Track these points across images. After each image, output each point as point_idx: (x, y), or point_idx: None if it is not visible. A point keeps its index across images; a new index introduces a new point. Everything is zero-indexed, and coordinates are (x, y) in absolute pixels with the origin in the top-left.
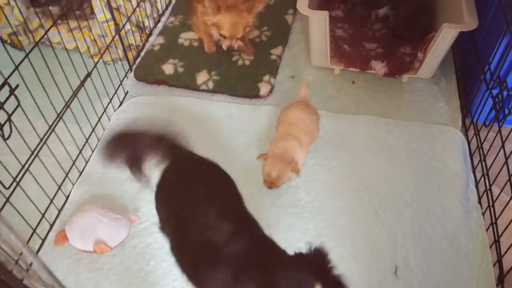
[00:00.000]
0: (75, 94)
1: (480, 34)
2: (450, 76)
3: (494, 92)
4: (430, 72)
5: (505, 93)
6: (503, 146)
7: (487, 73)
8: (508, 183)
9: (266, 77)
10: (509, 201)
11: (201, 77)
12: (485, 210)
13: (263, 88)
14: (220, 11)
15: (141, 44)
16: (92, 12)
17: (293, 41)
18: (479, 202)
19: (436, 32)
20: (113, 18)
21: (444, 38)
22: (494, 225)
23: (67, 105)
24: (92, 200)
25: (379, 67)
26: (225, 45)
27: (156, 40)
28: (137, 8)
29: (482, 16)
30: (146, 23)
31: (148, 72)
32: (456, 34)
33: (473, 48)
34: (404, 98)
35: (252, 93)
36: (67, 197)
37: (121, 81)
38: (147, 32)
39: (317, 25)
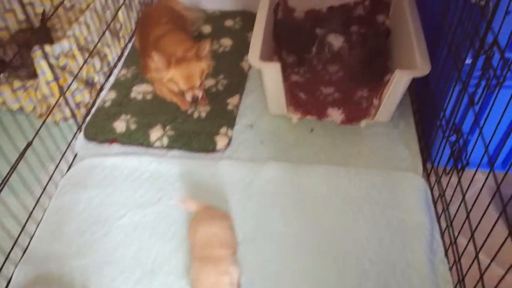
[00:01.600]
0: (14, 167)
1: (434, 78)
2: (408, 119)
3: (452, 139)
4: (387, 116)
5: (461, 141)
6: (463, 198)
7: (442, 120)
8: (472, 237)
9: (223, 129)
10: (476, 257)
11: (155, 133)
12: (452, 265)
13: (220, 142)
14: (171, 66)
15: (91, 101)
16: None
17: (250, 88)
18: (446, 255)
19: (391, 74)
20: (57, 78)
21: (398, 83)
22: (462, 283)
23: (4, 182)
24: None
25: (336, 114)
26: (189, 96)
27: (107, 95)
28: (85, 65)
29: (435, 59)
30: (96, 79)
31: (98, 130)
32: (410, 78)
33: (428, 92)
34: (363, 144)
35: (209, 148)
36: (9, 281)
37: (69, 143)
38: (98, 87)
39: (270, 76)
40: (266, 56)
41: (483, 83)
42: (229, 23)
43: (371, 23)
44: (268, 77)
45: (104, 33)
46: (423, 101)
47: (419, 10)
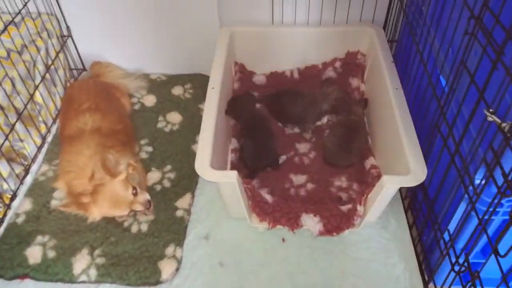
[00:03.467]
0: None
1: (431, 180)
2: (399, 216)
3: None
4: (374, 217)
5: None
6: None
7: (448, 243)
8: None
9: (170, 249)
10: None
11: (80, 263)
12: None
13: (167, 269)
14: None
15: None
16: None
17: (204, 181)
18: None
19: (372, 157)
20: None
21: (386, 192)
22: None
23: None
24: None
25: (311, 223)
26: (139, 206)
27: (21, 206)
28: None
29: (430, 153)
30: (5, 186)
31: (6, 263)
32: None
33: (424, 196)
34: (348, 256)
35: (151, 280)
36: None
37: None
38: (9, 196)
39: (226, 188)
40: (221, 140)
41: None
42: (178, 91)
43: (344, 88)
44: (224, 188)
45: (12, 127)
46: (417, 199)
47: (403, 72)
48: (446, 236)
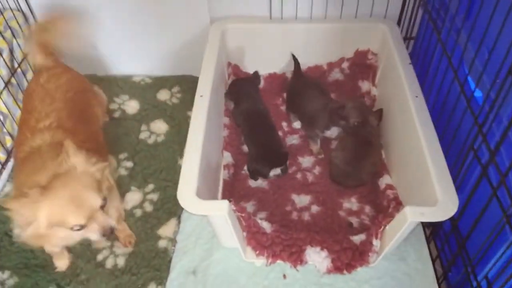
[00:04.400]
0: None
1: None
2: (420, 245)
3: None
4: (392, 249)
5: None
6: None
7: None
8: None
9: None
10: None
11: None
12: None
13: None
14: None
15: None
16: None
17: None
18: None
19: (386, 174)
20: None
21: (408, 226)
22: None
23: None
24: None
25: (318, 259)
26: (94, 235)
27: None
28: None
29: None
30: None
31: None
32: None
33: (453, 228)
34: None
35: None
36: None
37: None
38: None
39: (218, 221)
40: (211, 158)
41: None
42: (164, 95)
43: (353, 93)
44: (214, 219)
45: None
46: (443, 227)
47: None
48: (484, 283)
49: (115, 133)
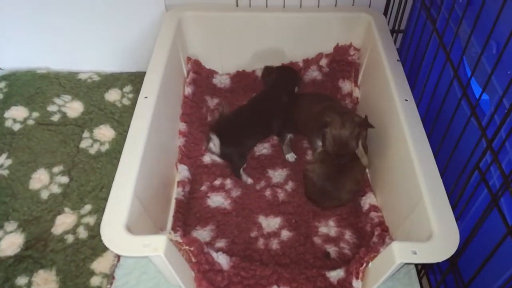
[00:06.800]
0: None
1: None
2: (411, 281)
3: None
4: None
5: None
6: None
7: None
8: None
9: None
10: None
11: None
12: None
13: None
14: None
15: None
16: None
17: None
18: None
19: (370, 192)
20: None
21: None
22: None
23: None
24: None
25: None
26: None
27: None
28: None
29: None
30: None
31: None
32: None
33: (451, 266)
34: None
35: None
36: None
37: None
38: None
39: (158, 262)
40: (157, 179)
41: None
42: (113, 96)
43: (332, 94)
44: (154, 259)
45: None
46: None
47: (412, 74)
48: None
49: (51, 141)
